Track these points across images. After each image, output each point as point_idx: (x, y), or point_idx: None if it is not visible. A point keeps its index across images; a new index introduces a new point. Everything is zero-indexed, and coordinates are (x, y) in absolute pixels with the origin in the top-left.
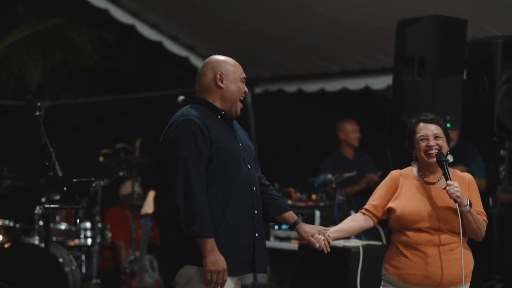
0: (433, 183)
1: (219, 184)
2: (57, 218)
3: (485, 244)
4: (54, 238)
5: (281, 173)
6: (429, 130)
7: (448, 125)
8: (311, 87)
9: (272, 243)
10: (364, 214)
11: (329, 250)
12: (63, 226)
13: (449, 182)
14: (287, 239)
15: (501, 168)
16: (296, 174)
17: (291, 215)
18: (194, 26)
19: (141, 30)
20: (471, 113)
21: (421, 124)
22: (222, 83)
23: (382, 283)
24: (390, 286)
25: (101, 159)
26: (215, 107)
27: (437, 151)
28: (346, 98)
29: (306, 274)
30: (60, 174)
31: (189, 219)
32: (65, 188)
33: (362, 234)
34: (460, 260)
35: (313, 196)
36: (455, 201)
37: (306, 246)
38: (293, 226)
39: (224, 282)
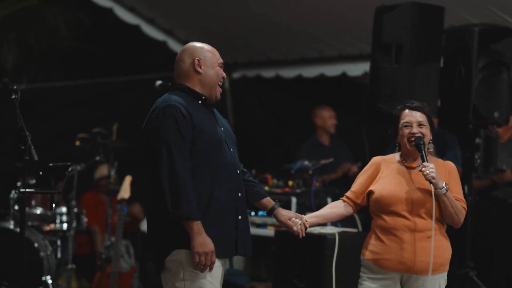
0: (414, 168)
1: (203, 168)
2: (33, 202)
3: (459, 231)
4: (30, 223)
5: (258, 159)
6: (413, 117)
7: None
8: (288, 73)
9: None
10: (344, 201)
11: (303, 235)
12: (38, 211)
13: (424, 163)
14: (263, 225)
15: (476, 156)
16: (273, 160)
17: (268, 201)
18: (172, 11)
19: (119, 13)
20: (447, 101)
21: (406, 111)
22: (201, 68)
23: (361, 269)
24: (367, 271)
25: (77, 143)
26: (195, 92)
27: None
28: (323, 84)
29: (282, 260)
30: (36, 158)
31: (176, 202)
32: (41, 173)
33: (338, 221)
34: (437, 249)
35: (290, 183)
36: (430, 182)
37: (282, 233)
38: (270, 212)
39: (212, 264)
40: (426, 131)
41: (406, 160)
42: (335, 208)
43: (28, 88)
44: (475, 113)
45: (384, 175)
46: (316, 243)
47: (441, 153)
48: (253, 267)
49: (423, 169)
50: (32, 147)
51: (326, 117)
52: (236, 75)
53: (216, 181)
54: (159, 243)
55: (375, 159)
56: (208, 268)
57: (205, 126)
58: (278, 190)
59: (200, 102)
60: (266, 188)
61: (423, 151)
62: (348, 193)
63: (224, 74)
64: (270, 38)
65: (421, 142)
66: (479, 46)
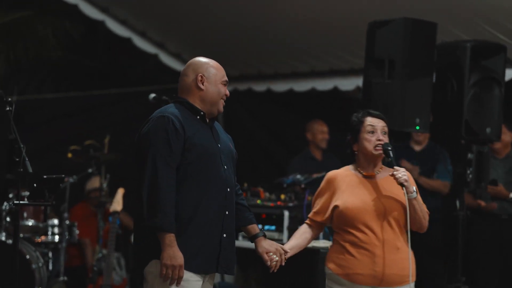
0: (373, 176)
1: (192, 183)
2: (25, 214)
3: (450, 246)
4: (21, 235)
5: (250, 172)
6: (377, 124)
7: (417, 127)
8: (280, 86)
9: (240, 242)
10: (309, 225)
11: (275, 271)
12: (30, 223)
13: (396, 167)
14: None
15: (468, 171)
16: (264, 174)
17: (253, 228)
18: (164, 24)
19: (110, 26)
20: (440, 116)
21: (369, 118)
22: (203, 85)
23: (326, 282)
24: (336, 285)
25: (69, 155)
26: (194, 107)
27: None
28: (314, 98)
29: (274, 274)
30: (30, 170)
31: (152, 212)
32: (35, 185)
33: (330, 234)
34: (405, 260)
35: (282, 196)
36: (402, 185)
37: None
38: (252, 239)
39: (180, 278)
40: (387, 140)
41: (363, 168)
42: (306, 233)
43: (19, 100)
44: (467, 128)
45: (344, 189)
46: (309, 257)
47: (432, 167)
48: (243, 281)
49: (395, 173)
50: (27, 159)
51: (317, 132)
52: (227, 88)
53: (203, 196)
54: (139, 253)
55: (329, 174)
56: (175, 282)
57: (198, 140)
58: (271, 204)
59: (198, 117)
60: (259, 201)
61: (391, 157)
62: (311, 215)
63: (227, 92)
64: (261, 51)
65: (389, 148)
66: (471, 62)
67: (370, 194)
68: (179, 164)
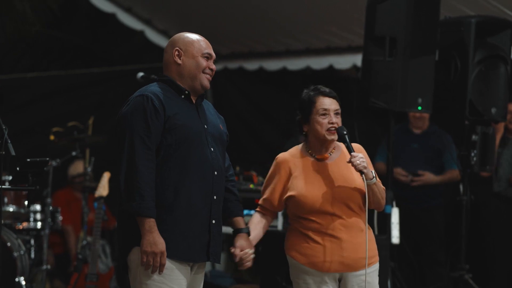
0: (326, 159)
1: (173, 165)
2: (5, 199)
3: (454, 233)
4: (1, 221)
5: (241, 155)
6: (330, 105)
7: (420, 108)
8: (273, 65)
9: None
10: (261, 213)
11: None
12: (11, 208)
13: (353, 153)
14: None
15: (472, 154)
16: (256, 157)
17: (238, 221)
18: None
19: (94, 1)
20: (442, 96)
21: (321, 97)
22: (180, 59)
23: (290, 270)
24: (303, 274)
25: (52, 137)
26: (178, 86)
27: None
28: (309, 77)
29: (270, 262)
30: (13, 153)
31: (129, 196)
32: (18, 168)
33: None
34: (370, 241)
35: None
36: (361, 172)
37: (271, 232)
38: (235, 232)
39: (162, 265)
40: (340, 120)
41: (314, 150)
42: (260, 223)
43: None
44: (471, 108)
45: (297, 174)
46: None
47: (439, 153)
48: (234, 269)
49: (352, 159)
50: (9, 141)
51: None
52: (217, 67)
53: (185, 179)
54: (122, 241)
55: (280, 158)
56: (157, 270)
57: (180, 120)
58: None
59: (183, 96)
60: (252, 186)
61: (347, 142)
62: (262, 202)
63: (212, 66)
64: (254, 28)
65: (345, 132)
66: (476, 39)
67: (326, 179)
68: (160, 146)
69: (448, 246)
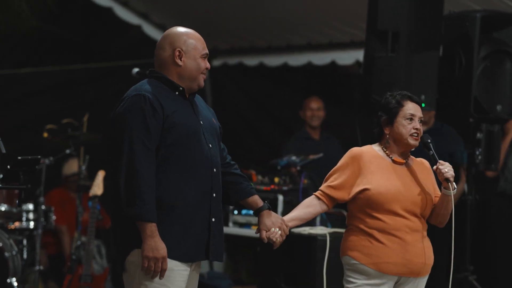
0: (402, 164)
1: (173, 164)
2: None
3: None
4: None
5: (241, 153)
6: (416, 111)
7: (423, 105)
8: (273, 61)
9: (230, 229)
10: (319, 198)
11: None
12: (3, 207)
13: (441, 161)
14: (247, 225)
15: (477, 152)
16: (256, 155)
17: (255, 201)
18: None
19: None
20: (446, 92)
21: (409, 102)
22: (181, 60)
23: (347, 273)
24: (360, 276)
25: (45, 135)
26: (172, 83)
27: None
28: (310, 73)
29: (269, 263)
30: (3, 151)
31: (130, 200)
32: (9, 166)
33: (328, 221)
34: (430, 250)
35: (276, 179)
36: (448, 180)
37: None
38: (256, 213)
39: (163, 270)
40: (422, 129)
41: (394, 155)
42: (311, 207)
43: None
44: (476, 106)
45: (373, 170)
46: (306, 245)
47: (450, 151)
48: (232, 270)
49: (440, 167)
50: (0, 139)
51: (306, 108)
52: (216, 62)
53: (186, 178)
54: (120, 242)
55: (355, 151)
56: (158, 275)
57: (178, 119)
58: (264, 188)
59: (177, 93)
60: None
61: (433, 149)
62: (324, 189)
63: (208, 65)
64: (254, 23)
65: (429, 141)
66: (481, 34)
67: (401, 182)
68: (159, 146)
69: (450, 248)
